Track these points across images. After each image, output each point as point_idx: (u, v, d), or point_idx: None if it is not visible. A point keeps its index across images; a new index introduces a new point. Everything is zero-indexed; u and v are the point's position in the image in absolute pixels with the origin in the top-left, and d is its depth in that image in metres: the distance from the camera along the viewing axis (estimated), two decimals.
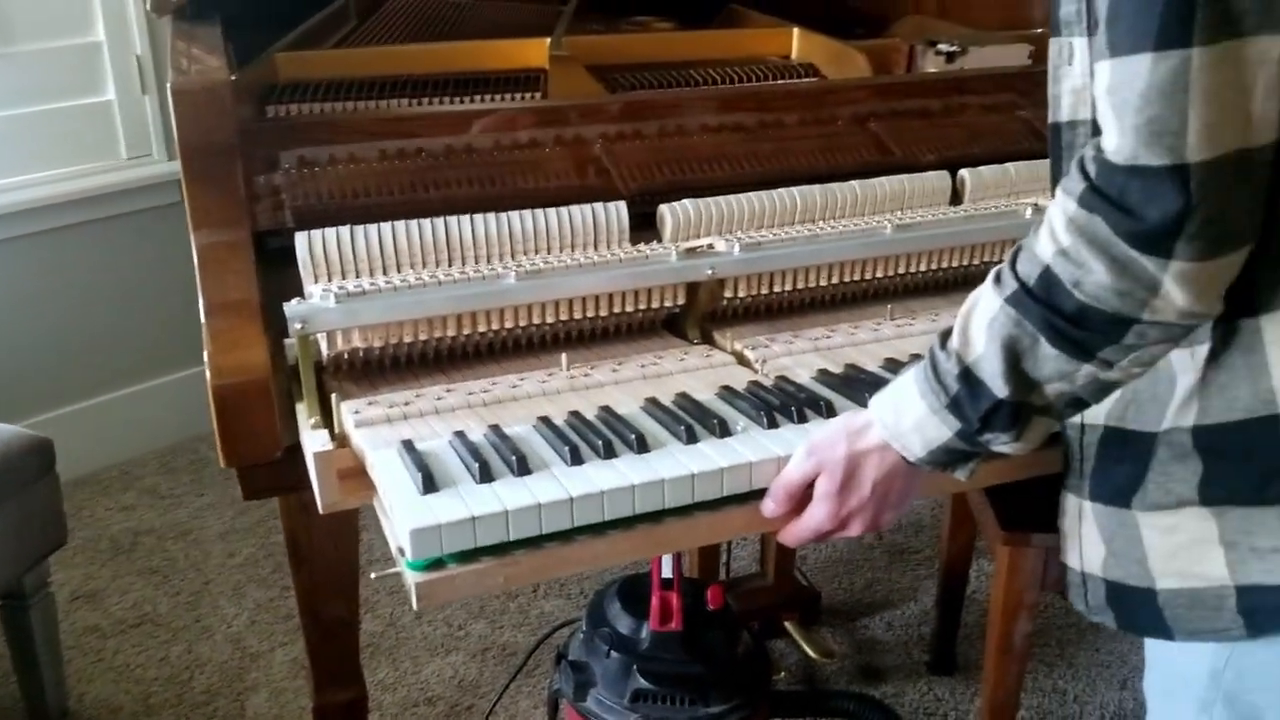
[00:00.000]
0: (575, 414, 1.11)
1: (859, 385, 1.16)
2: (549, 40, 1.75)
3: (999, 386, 0.87)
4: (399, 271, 1.21)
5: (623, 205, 1.30)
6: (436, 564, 0.93)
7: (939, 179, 1.44)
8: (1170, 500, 0.93)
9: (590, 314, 1.27)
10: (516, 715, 1.95)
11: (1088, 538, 1.02)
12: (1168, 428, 0.92)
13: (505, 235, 1.25)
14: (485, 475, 0.97)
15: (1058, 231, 0.83)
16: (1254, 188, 0.78)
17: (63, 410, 2.71)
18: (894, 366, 1.22)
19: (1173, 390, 0.91)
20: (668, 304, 1.31)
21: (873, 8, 2.16)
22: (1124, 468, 0.96)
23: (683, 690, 1.40)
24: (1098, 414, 0.99)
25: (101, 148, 2.66)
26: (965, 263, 1.44)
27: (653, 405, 1.13)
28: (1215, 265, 0.79)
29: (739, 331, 1.34)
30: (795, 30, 1.89)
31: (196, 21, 1.53)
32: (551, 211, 1.27)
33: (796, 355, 1.27)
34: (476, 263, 1.24)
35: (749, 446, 1.04)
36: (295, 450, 1.13)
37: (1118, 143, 0.79)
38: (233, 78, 1.22)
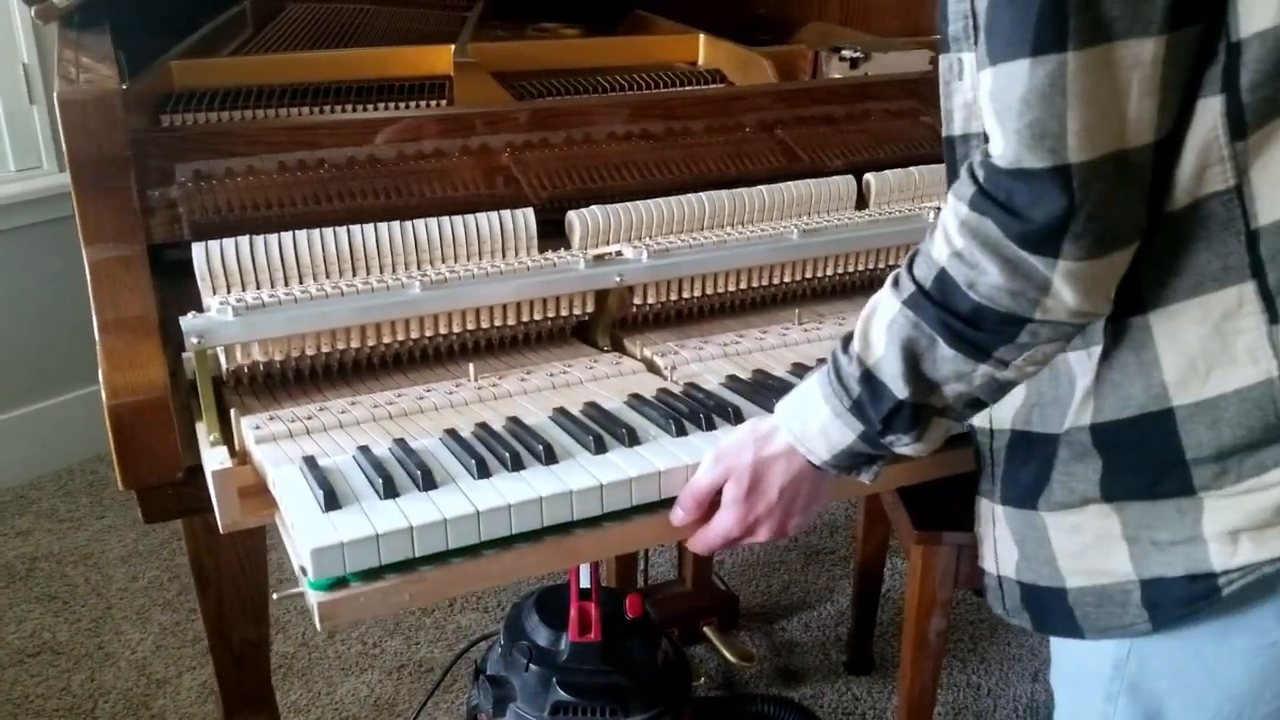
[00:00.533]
0: (483, 425, 1.09)
1: (767, 391, 1.16)
2: (454, 47, 1.73)
3: (899, 388, 0.89)
4: (300, 282, 1.18)
5: (530, 212, 1.28)
6: (340, 583, 0.91)
7: (845, 184, 1.46)
8: (1074, 499, 0.94)
9: (498, 323, 1.26)
10: None
11: (1001, 541, 1.03)
12: (1068, 428, 0.94)
13: (410, 244, 1.23)
14: (390, 491, 0.96)
15: (951, 235, 0.84)
16: (1135, 187, 0.80)
17: None
18: (801, 371, 1.23)
19: (1073, 392, 0.93)
20: (577, 312, 1.30)
21: (776, 14, 2.18)
22: (1030, 470, 0.98)
23: (603, 701, 1.39)
24: (1005, 419, 1.00)
25: None
26: (871, 266, 1.45)
27: (561, 415, 1.12)
28: (1102, 264, 0.81)
29: (648, 338, 1.33)
30: (701, 37, 1.90)
31: (84, 29, 1.48)
32: (458, 219, 1.25)
33: (706, 361, 1.27)
34: (381, 272, 1.22)
35: (658, 455, 1.04)
36: (197, 471, 1.10)
37: (1002, 148, 0.80)
38: (124, 87, 1.18)
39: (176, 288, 1.15)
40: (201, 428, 1.09)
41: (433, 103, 1.59)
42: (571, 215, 1.31)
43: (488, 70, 1.64)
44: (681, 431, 1.08)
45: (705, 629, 2.03)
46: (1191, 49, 0.79)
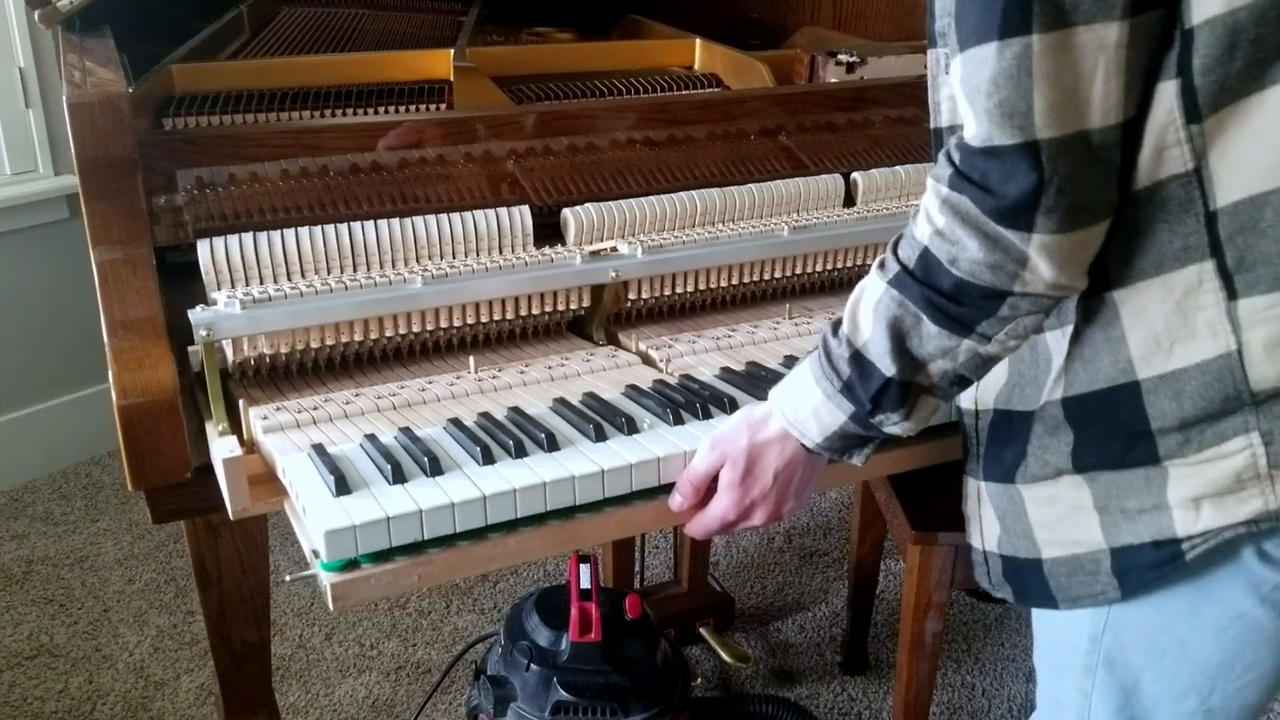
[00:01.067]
0: (485, 415, 1.12)
1: (760, 381, 1.19)
2: (452, 51, 1.74)
3: (887, 366, 0.92)
4: (303, 278, 1.20)
5: (526, 210, 1.31)
6: (351, 565, 0.94)
7: (833, 182, 1.49)
8: (1048, 471, 0.98)
9: (497, 317, 1.28)
10: None
11: (985, 517, 1.07)
12: (1043, 403, 0.97)
13: (410, 240, 1.25)
14: (398, 476, 0.98)
15: (932, 214, 0.88)
16: (1103, 165, 0.84)
17: None
18: (793, 363, 1.24)
19: (1049, 370, 0.97)
20: (573, 306, 1.33)
21: (767, 19, 2.19)
22: (1010, 447, 1.02)
23: (604, 701, 1.40)
24: (988, 399, 1.04)
25: None
26: (859, 263, 1.48)
27: (561, 405, 1.15)
28: (1075, 238, 0.85)
29: (643, 332, 1.36)
30: (697, 41, 1.91)
31: (86, 33, 1.49)
32: (456, 216, 1.28)
33: (700, 354, 1.30)
34: (382, 268, 1.24)
35: (656, 443, 1.07)
36: (204, 471, 1.11)
37: (975, 129, 0.85)
38: (129, 90, 1.19)
39: (177, 290, 1.17)
40: (210, 426, 1.10)
41: (433, 106, 1.61)
42: (566, 212, 1.34)
43: (487, 74, 1.66)
44: (679, 420, 1.11)
45: (701, 630, 2.04)
46: (1152, 34, 0.83)
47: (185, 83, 1.60)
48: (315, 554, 0.93)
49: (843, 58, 1.73)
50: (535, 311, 1.30)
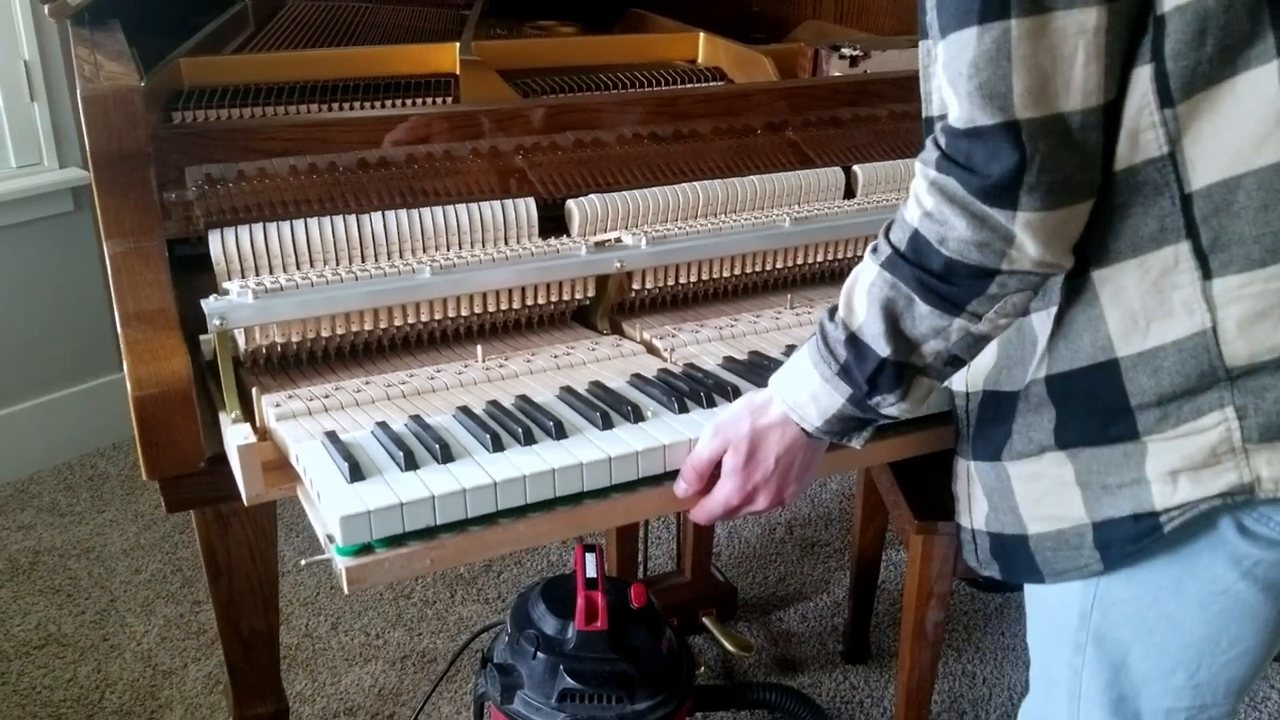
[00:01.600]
0: (494, 403, 1.14)
1: (763, 370, 1.21)
2: (457, 45, 1.75)
3: (881, 347, 0.94)
4: (312, 268, 1.22)
5: (531, 201, 1.33)
6: (365, 549, 0.96)
7: (834, 175, 1.51)
8: (1032, 448, 1.01)
9: (504, 307, 1.30)
10: None
11: (974, 497, 1.10)
12: (1028, 381, 1.00)
13: (418, 231, 1.28)
14: (410, 463, 1.00)
15: (921, 197, 0.90)
16: (1084, 146, 0.86)
17: None
18: (794, 352, 1.27)
19: (1034, 352, 0.99)
20: (578, 296, 1.35)
21: (769, 12, 2.20)
22: (998, 426, 1.05)
23: (610, 688, 1.41)
24: (978, 381, 1.07)
25: None
26: (859, 253, 1.49)
27: (568, 393, 1.17)
28: (1058, 215, 0.87)
29: (647, 322, 1.38)
30: (701, 35, 1.92)
31: (96, 27, 1.50)
32: (462, 207, 1.30)
33: (703, 343, 1.32)
34: (389, 259, 1.26)
35: (661, 430, 1.09)
36: (217, 461, 1.12)
37: (958, 111, 0.87)
38: (141, 84, 1.20)
39: (185, 283, 1.18)
40: (223, 415, 1.12)
41: (439, 100, 1.62)
42: (571, 204, 1.36)
43: (493, 68, 1.67)
44: (683, 409, 1.13)
45: (704, 619, 2.06)
46: (1130, 18, 0.85)
47: (193, 76, 1.62)
48: (330, 539, 0.95)
49: (846, 51, 1.74)
50: (541, 301, 1.32)
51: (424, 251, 1.28)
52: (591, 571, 1.47)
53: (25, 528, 2.51)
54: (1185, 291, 0.89)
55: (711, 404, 1.14)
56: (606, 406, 1.11)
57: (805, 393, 1.00)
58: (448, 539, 0.98)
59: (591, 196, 1.36)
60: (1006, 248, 0.87)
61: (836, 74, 1.75)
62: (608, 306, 1.37)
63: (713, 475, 1.05)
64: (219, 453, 1.13)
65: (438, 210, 1.29)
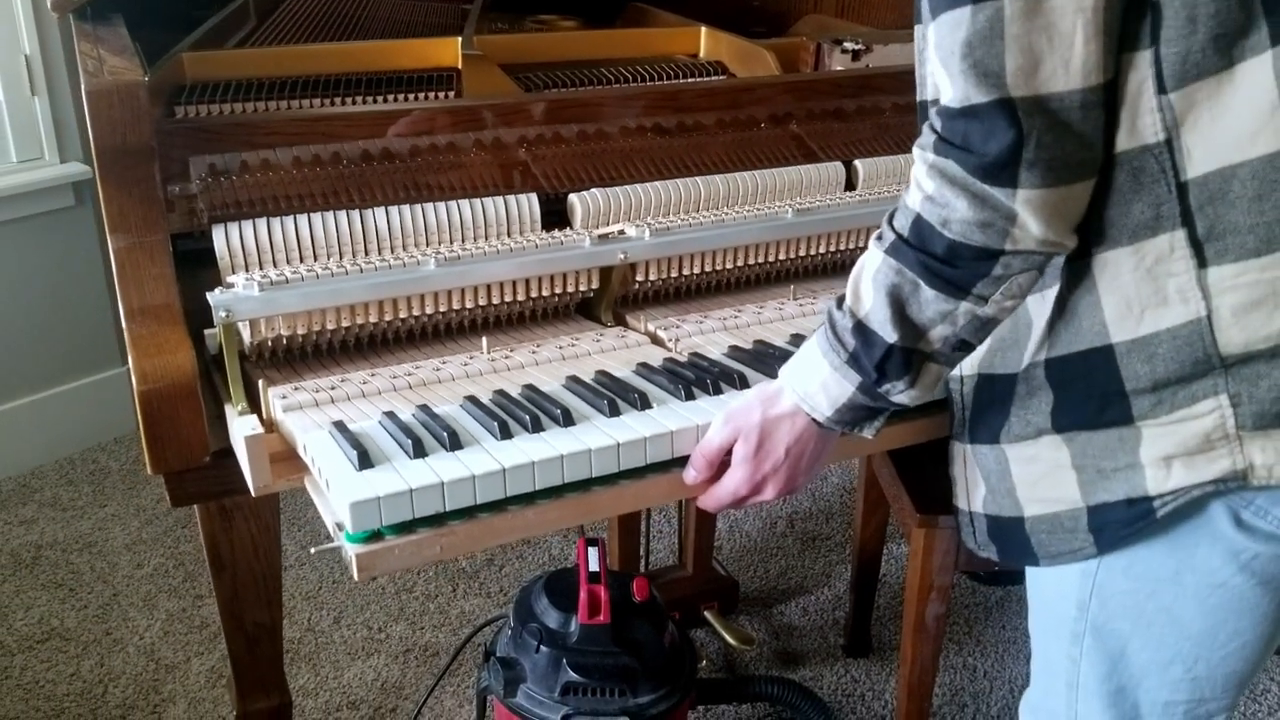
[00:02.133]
0: (500, 392, 1.14)
1: (769, 359, 1.21)
2: (459, 39, 1.75)
3: (888, 333, 0.94)
4: (316, 262, 1.22)
5: (534, 197, 1.34)
6: (374, 536, 0.96)
7: (834, 169, 1.52)
8: (1030, 431, 1.01)
9: (508, 299, 1.31)
10: (441, 715, 1.94)
11: (971, 479, 1.11)
12: (1026, 365, 1.01)
13: (421, 226, 1.28)
14: (418, 451, 1.00)
15: (921, 181, 0.90)
16: (1083, 125, 0.86)
17: None
18: (800, 342, 1.26)
19: (1029, 335, 1.00)
20: (582, 288, 1.35)
21: (770, 6, 2.20)
22: (994, 409, 1.05)
23: (613, 681, 1.42)
24: (973, 365, 1.07)
25: None
26: (861, 244, 1.51)
27: (574, 382, 1.17)
28: (1059, 193, 0.87)
29: (650, 314, 1.39)
30: (703, 29, 1.92)
31: (99, 21, 1.50)
32: (465, 202, 1.31)
33: (707, 334, 1.33)
34: (393, 252, 1.26)
35: (669, 417, 1.09)
36: (222, 455, 1.13)
37: (952, 92, 0.87)
38: (145, 79, 1.20)
39: (189, 278, 1.18)
40: (230, 406, 1.12)
41: (442, 94, 1.62)
42: (573, 198, 1.36)
43: (495, 62, 1.67)
44: (690, 396, 1.14)
45: (706, 613, 2.06)
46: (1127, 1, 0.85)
47: (196, 71, 1.62)
48: (339, 527, 0.95)
49: (848, 45, 1.74)
50: (545, 293, 1.33)
51: (428, 246, 1.28)
52: (594, 565, 1.48)
53: (27, 522, 2.52)
54: (1180, 279, 0.89)
55: (718, 391, 1.15)
56: (614, 394, 1.12)
57: (815, 382, 1.00)
58: (457, 526, 0.98)
59: (594, 191, 1.37)
60: (1009, 227, 0.87)
61: (839, 68, 1.75)
62: (612, 299, 1.37)
63: (722, 464, 1.06)
64: (223, 447, 1.13)
65: (441, 205, 1.29)
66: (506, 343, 1.29)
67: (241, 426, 1.05)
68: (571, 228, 1.36)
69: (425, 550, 0.97)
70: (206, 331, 1.19)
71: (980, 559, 1.17)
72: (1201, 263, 0.88)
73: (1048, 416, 1.00)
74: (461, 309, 1.28)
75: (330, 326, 1.21)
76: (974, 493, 1.11)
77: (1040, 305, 0.98)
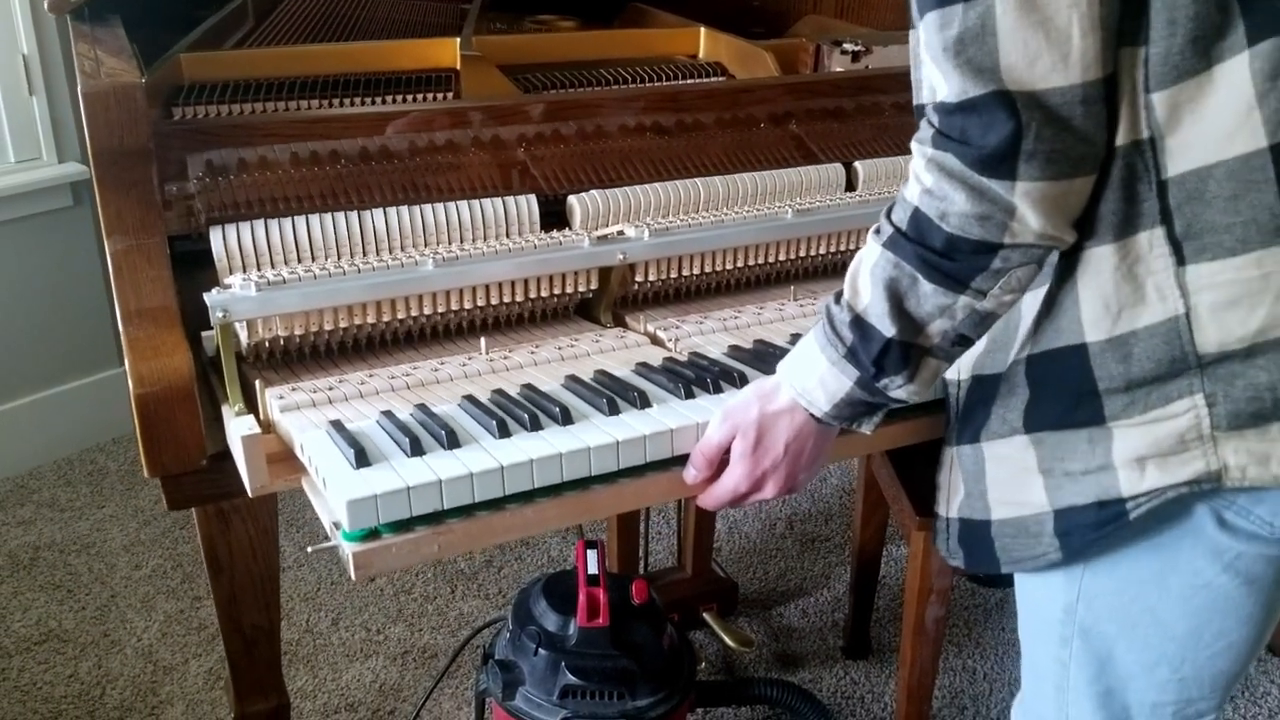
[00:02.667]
0: (499, 392, 1.14)
1: (769, 358, 1.20)
2: (458, 40, 1.75)
3: (886, 326, 0.94)
4: (314, 263, 1.22)
5: (533, 198, 1.33)
6: (372, 535, 0.95)
7: (834, 170, 1.52)
8: (1005, 429, 1.01)
9: (507, 299, 1.30)
10: (440, 718, 1.94)
11: (954, 484, 1.10)
12: (1010, 361, 1.01)
13: (419, 227, 1.28)
14: (416, 449, 1.00)
15: (920, 174, 0.90)
16: (1086, 119, 0.85)
17: None
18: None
19: (1017, 332, 1.00)
20: (581, 289, 1.35)
21: (769, 6, 2.20)
22: (981, 408, 1.05)
23: (612, 685, 1.41)
24: (967, 366, 1.08)
25: None
26: (860, 245, 1.48)
27: (574, 382, 1.17)
28: (1059, 187, 0.86)
29: (650, 315, 1.38)
30: (702, 30, 1.92)
31: (96, 22, 1.49)
32: (464, 203, 1.30)
33: (707, 334, 1.32)
34: (391, 254, 1.26)
35: (669, 415, 1.09)
36: (219, 458, 1.12)
37: (947, 87, 0.87)
38: (143, 80, 1.20)
39: (185, 280, 1.18)
40: (227, 407, 1.12)
41: (440, 95, 1.61)
42: (572, 199, 1.36)
43: (494, 63, 1.66)
44: (690, 395, 1.13)
45: (705, 615, 2.06)
46: None
47: (193, 71, 1.61)
48: (336, 526, 0.95)
49: (848, 47, 1.74)
50: (544, 294, 1.32)
51: (426, 247, 1.28)
52: (593, 568, 1.47)
53: (25, 523, 2.51)
54: (1159, 277, 0.89)
55: (718, 390, 1.14)
56: (613, 393, 1.11)
57: (813, 377, 0.99)
58: (455, 524, 0.98)
59: (593, 192, 1.36)
60: (1008, 220, 0.87)
61: (838, 69, 1.75)
62: (611, 300, 1.37)
63: (722, 462, 1.05)
64: (221, 450, 1.13)
65: (439, 206, 1.29)
66: (505, 343, 1.29)
67: (238, 427, 1.04)
68: (570, 229, 1.36)
69: (423, 549, 0.96)
70: (204, 333, 1.18)
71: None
72: (1180, 260, 0.88)
73: (1021, 415, 1.00)
74: (460, 310, 1.28)
75: (328, 327, 1.21)
76: (953, 498, 1.11)
77: (1032, 302, 0.98)
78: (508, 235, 1.32)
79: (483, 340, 1.26)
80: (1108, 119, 0.87)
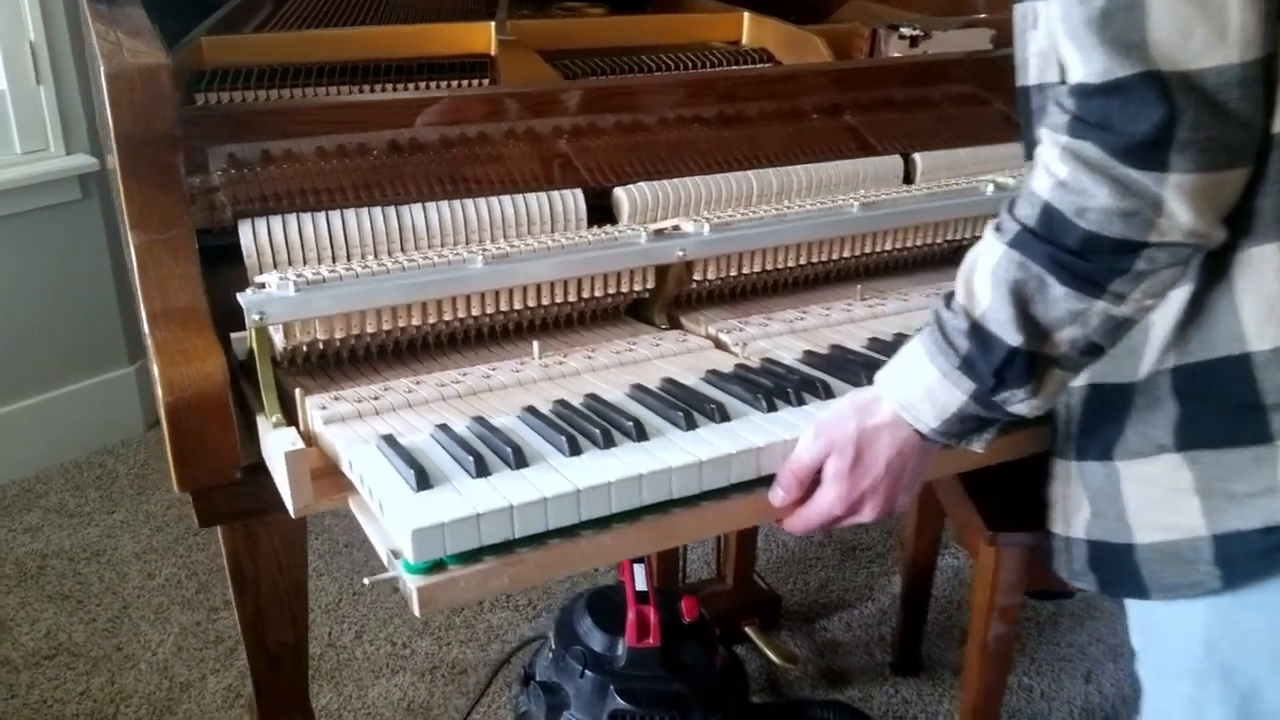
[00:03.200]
0: (561, 402, 1.04)
1: (850, 366, 1.12)
2: (491, 24, 1.66)
3: (1010, 335, 0.85)
4: (348, 260, 1.13)
5: (579, 193, 1.25)
6: (437, 566, 0.86)
7: (892, 162, 1.43)
8: (1149, 448, 0.92)
9: (559, 300, 1.21)
10: None
11: (1073, 500, 1.01)
12: (1148, 373, 0.91)
13: (460, 223, 1.19)
14: (481, 470, 0.90)
15: (1052, 165, 0.81)
16: (1243, 102, 0.77)
17: None
18: (880, 346, 1.18)
19: (1147, 339, 0.91)
20: (637, 288, 1.25)
21: None
22: (1107, 421, 0.96)
23: (664, 710, 1.36)
24: (1082, 374, 0.97)
25: None
26: (929, 241, 1.42)
27: (640, 391, 1.07)
28: (1213, 179, 0.78)
29: (707, 316, 1.29)
30: (745, 15, 1.83)
31: (114, 3, 1.40)
32: (506, 198, 1.22)
33: (774, 337, 1.23)
34: (431, 250, 1.17)
35: (752, 431, 0.99)
36: (253, 470, 1.03)
37: (1088, 67, 0.78)
38: (168, 61, 1.11)
39: (210, 276, 1.08)
40: (263, 418, 1.03)
41: (475, 81, 1.53)
42: (619, 191, 1.27)
43: (532, 49, 1.57)
44: (772, 407, 1.03)
45: (747, 629, 1.97)
46: None
47: (215, 56, 1.53)
48: (396, 555, 0.85)
49: (906, 31, 1.65)
50: (597, 294, 1.23)
51: (467, 243, 1.19)
52: (641, 584, 1.40)
53: (32, 530, 2.42)
54: None
55: (801, 402, 1.04)
56: (687, 405, 1.01)
57: (919, 389, 0.90)
58: (526, 553, 0.88)
59: (641, 184, 1.28)
60: (1155, 216, 0.78)
61: (896, 55, 1.66)
62: (665, 299, 1.28)
63: (813, 482, 0.96)
64: (254, 462, 1.04)
65: (480, 201, 1.20)
66: (557, 347, 1.20)
67: (279, 441, 0.95)
68: (617, 223, 1.26)
69: (492, 581, 0.87)
70: (234, 336, 1.09)
71: (1056, 580, 1.08)
72: None
73: (1170, 432, 0.90)
74: (509, 311, 1.19)
75: (370, 330, 1.12)
76: (1075, 516, 1.01)
77: (1164, 306, 0.89)
78: (552, 231, 1.23)
79: (535, 344, 1.16)
80: (1266, 102, 0.78)
